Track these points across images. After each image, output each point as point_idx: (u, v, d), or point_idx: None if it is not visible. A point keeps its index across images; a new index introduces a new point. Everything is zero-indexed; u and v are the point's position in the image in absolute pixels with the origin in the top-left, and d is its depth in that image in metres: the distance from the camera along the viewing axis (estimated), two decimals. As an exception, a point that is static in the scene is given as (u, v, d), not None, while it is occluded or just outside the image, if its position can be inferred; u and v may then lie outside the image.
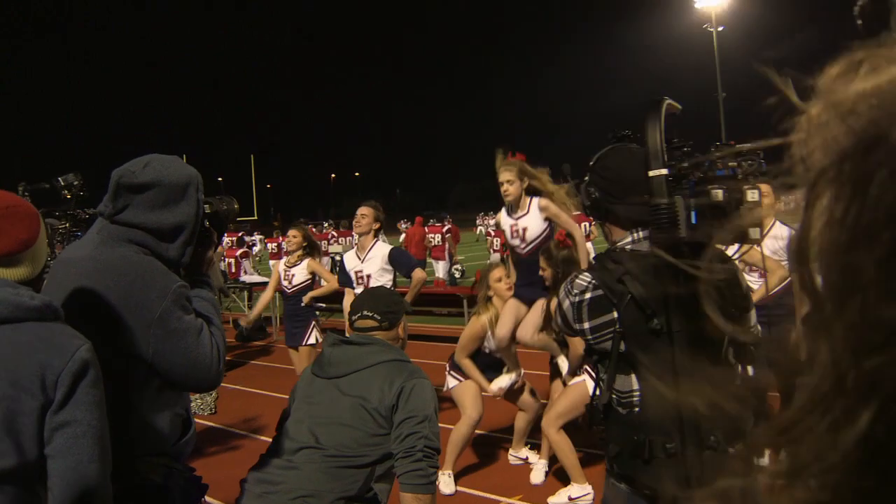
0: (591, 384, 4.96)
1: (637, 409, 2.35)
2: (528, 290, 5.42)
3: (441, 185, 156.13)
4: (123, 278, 2.26)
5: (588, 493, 5.02)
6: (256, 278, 15.97)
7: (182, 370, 2.32)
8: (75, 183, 4.60)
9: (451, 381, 5.66)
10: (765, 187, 5.29)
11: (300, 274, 7.74)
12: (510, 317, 5.45)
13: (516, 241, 5.48)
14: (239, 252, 18.61)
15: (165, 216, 2.39)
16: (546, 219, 5.35)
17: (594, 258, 2.63)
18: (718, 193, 2.13)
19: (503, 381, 5.61)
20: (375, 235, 6.65)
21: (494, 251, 19.25)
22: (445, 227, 20.22)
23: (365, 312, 3.17)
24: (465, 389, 5.55)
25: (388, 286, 6.18)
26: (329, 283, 7.67)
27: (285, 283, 7.83)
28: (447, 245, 19.74)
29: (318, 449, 2.84)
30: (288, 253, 8.03)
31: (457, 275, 19.30)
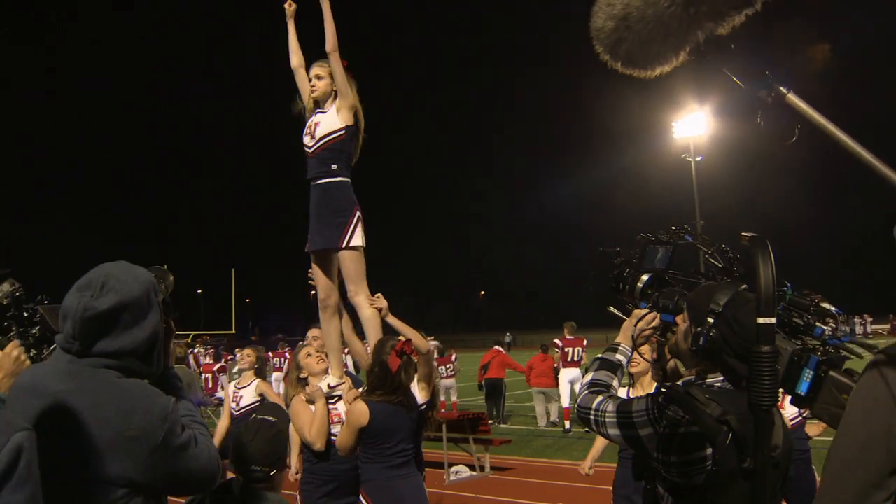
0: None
1: None
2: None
3: (420, 305, 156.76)
4: (120, 408, 2.16)
5: None
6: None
7: (190, 481, 2.30)
8: (13, 292, 3.90)
9: None
10: None
11: (248, 395, 7.59)
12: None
13: (307, 140, 5.39)
14: (217, 367, 18.40)
15: (138, 334, 2.29)
16: (344, 122, 5.28)
17: (671, 386, 2.58)
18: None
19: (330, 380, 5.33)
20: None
21: None
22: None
23: (253, 468, 3.05)
24: None
25: None
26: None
27: (233, 404, 7.67)
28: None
29: None
30: (239, 372, 7.91)
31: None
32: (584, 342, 16.83)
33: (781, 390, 2.33)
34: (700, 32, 1.86)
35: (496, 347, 18.79)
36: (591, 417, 2.68)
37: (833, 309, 2.49)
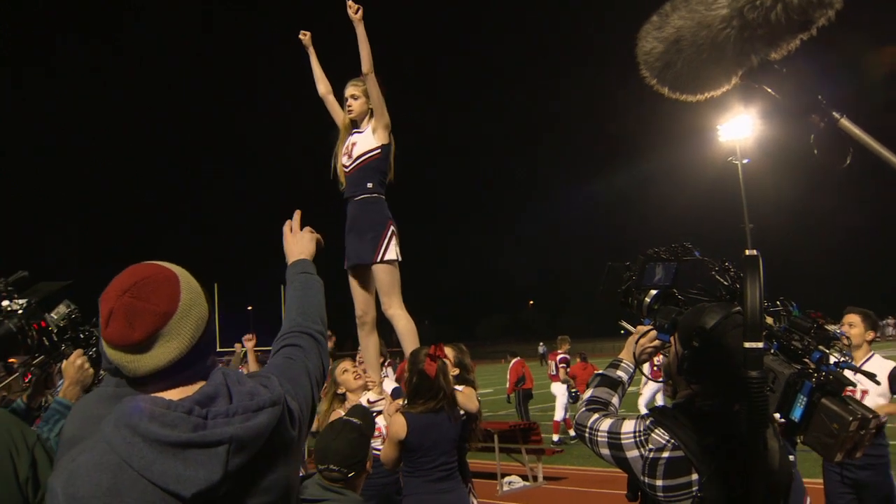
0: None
1: None
2: None
3: (470, 316, 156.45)
4: None
5: None
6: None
7: None
8: (70, 313, 3.60)
9: None
10: (854, 318, 5.55)
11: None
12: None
13: (345, 160, 5.53)
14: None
15: None
16: (380, 141, 5.43)
17: (660, 408, 2.57)
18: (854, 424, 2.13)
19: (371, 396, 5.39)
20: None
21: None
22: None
23: (331, 466, 3.16)
24: None
25: None
26: None
27: None
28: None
29: None
30: None
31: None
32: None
33: (778, 415, 2.27)
34: (754, 56, 1.83)
35: (519, 359, 19.10)
36: (586, 435, 2.67)
37: (838, 331, 2.38)
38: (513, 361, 19.03)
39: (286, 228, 2.67)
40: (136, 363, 1.70)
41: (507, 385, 18.97)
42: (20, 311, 3.27)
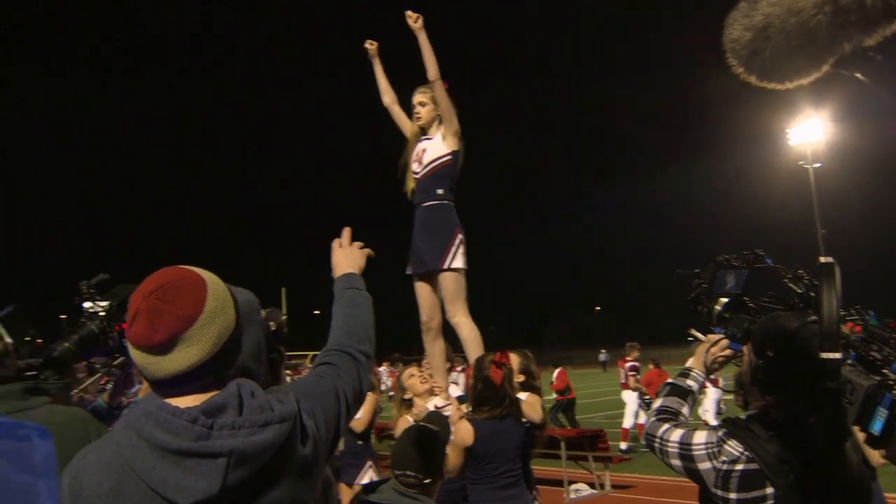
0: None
1: None
2: None
3: (536, 322, 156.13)
4: None
5: None
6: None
7: None
8: None
9: None
10: None
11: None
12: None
13: (415, 166, 5.51)
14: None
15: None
16: (450, 148, 5.42)
17: (733, 420, 2.50)
18: None
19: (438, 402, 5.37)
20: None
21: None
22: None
23: (408, 472, 3.19)
24: None
25: None
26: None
27: None
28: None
29: None
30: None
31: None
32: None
33: (857, 428, 2.17)
34: (847, 43, 1.73)
35: (562, 368, 19.10)
36: (656, 445, 2.65)
37: None
38: (556, 371, 18.99)
39: (335, 244, 2.66)
40: (156, 365, 1.71)
41: (554, 394, 18.74)
42: (102, 314, 3.35)
